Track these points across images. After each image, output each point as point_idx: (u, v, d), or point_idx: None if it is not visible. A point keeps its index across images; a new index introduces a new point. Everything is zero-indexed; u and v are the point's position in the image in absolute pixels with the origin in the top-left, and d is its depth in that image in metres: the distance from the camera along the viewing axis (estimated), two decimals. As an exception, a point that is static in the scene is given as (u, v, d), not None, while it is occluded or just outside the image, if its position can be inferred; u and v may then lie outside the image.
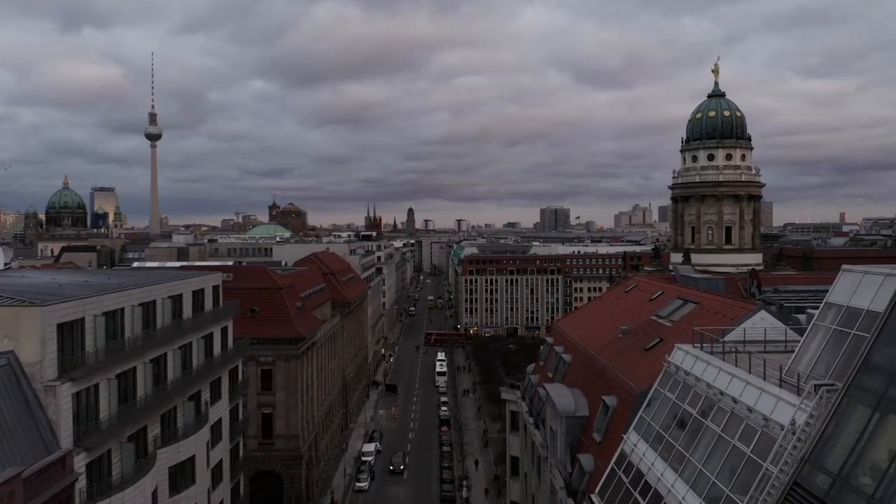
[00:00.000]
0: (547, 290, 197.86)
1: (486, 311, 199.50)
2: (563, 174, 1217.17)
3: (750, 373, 22.20)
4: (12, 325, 29.42)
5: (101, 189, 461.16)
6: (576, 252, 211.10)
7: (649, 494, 23.85)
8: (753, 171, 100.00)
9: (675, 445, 23.65)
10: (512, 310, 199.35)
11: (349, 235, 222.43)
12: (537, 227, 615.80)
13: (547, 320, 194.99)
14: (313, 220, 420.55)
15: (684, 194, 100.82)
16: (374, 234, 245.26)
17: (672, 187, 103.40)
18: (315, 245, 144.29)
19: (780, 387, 20.52)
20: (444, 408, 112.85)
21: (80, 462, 30.72)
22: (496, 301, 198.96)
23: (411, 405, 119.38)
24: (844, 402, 17.24)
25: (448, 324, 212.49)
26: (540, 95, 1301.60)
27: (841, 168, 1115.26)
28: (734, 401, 21.57)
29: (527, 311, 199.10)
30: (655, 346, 32.25)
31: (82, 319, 32.14)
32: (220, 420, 48.75)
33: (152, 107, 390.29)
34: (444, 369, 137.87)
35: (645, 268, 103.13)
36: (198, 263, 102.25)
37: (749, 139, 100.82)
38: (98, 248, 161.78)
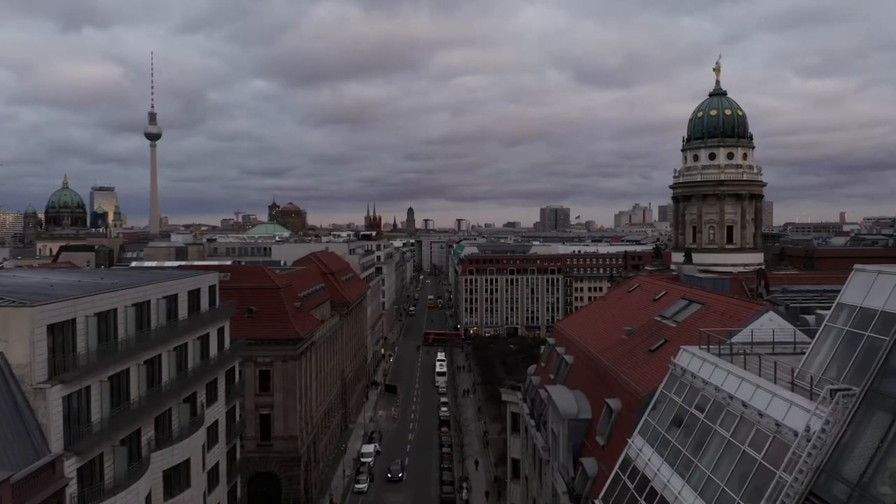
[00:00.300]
0: (547, 289, 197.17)
1: (486, 310, 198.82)
2: (562, 174, 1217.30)
3: (760, 376, 21.47)
4: (1, 326, 28.68)
5: (101, 189, 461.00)
6: (576, 252, 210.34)
7: (655, 501, 23.12)
8: (755, 170, 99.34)
9: (682, 451, 22.92)
10: (512, 310, 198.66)
11: (348, 235, 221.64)
12: (537, 227, 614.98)
13: (547, 320, 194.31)
14: (313, 219, 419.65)
15: (686, 193, 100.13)
16: (374, 233, 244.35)
17: (673, 186, 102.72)
18: (314, 245, 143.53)
19: (793, 391, 19.79)
20: (443, 408, 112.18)
21: (70, 466, 29.96)
22: (496, 301, 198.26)
23: (411, 406, 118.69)
24: (862, 408, 16.50)
25: (448, 323, 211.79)
26: (540, 95, 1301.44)
27: (841, 168, 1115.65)
28: (744, 405, 20.84)
29: (527, 310, 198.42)
30: (660, 347, 31.51)
31: (73, 320, 31.39)
32: (216, 422, 47.97)
33: (152, 106, 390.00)
34: (444, 369, 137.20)
35: (646, 267, 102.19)
36: (196, 263, 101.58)
37: (751, 138, 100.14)
38: (96, 247, 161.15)
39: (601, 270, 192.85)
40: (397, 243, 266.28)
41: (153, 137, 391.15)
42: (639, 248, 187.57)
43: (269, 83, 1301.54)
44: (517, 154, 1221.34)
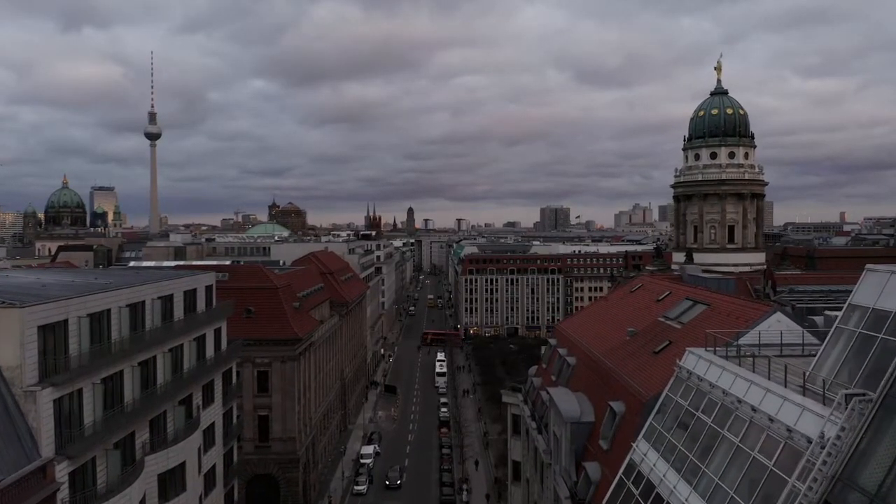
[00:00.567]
0: (547, 289, 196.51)
1: (487, 310, 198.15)
2: (563, 174, 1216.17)
3: (769, 379, 20.82)
4: (-10, 328, 28.04)
5: (101, 188, 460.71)
6: (577, 251, 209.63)
7: (661, 508, 22.48)
8: (756, 170, 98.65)
9: (689, 456, 22.26)
10: (512, 310, 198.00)
11: (348, 235, 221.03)
12: (537, 227, 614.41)
13: (547, 320, 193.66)
14: (313, 219, 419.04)
15: (687, 193, 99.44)
16: (374, 233, 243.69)
17: (674, 186, 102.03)
18: (313, 244, 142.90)
19: (804, 395, 19.14)
20: (443, 409, 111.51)
21: (62, 471, 29.30)
22: (496, 301, 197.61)
23: (411, 406, 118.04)
24: (880, 414, 15.83)
25: (448, 323, 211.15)
26: (540, 95, 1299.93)
27: (841, 167, 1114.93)
28: (753, 409, 20.18)
29: (527, 310, 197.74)
30: (664, 349, 30.84)
31: (65, 321, 30.73)
32: (212, 424, 47.29)
33: (152, 106, 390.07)
34: (444, 370, 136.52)
35: (647, 267, 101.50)
36: (194, 263, 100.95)
37: (752, 137, 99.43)
38: (95, 247, 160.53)
39: (602, 270, 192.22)
40: (397, 243, 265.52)
41: (153, 137, 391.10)
42: (639, 248, 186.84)
43: (269, 83, 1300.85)
44: (517, 154, 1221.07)
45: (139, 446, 36.44)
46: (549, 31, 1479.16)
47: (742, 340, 25.82)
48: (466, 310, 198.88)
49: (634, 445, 25.99)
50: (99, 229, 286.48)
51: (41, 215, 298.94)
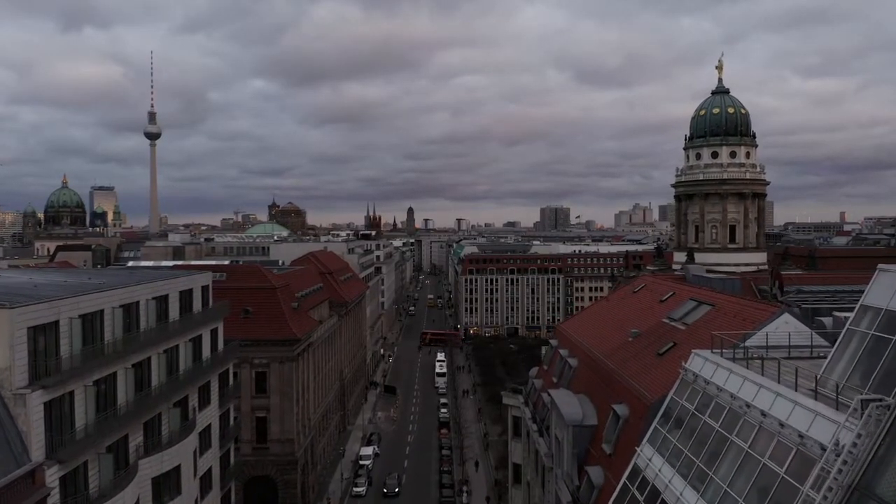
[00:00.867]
0: (548, 289, 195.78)
1: (487, 310, 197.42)
2: (563, 173, 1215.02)
3: (779, 383, 20.16)
4: (-22, 329, 27.36)
5: (101, 188, 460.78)
6: (577, 251, 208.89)
7: (667, 514, 21.82)
8: (758, 169, 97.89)
9: (696, 461, 21.59)
10: (512, 310, 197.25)
11: (347, 234, 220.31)
12: (537, 227, 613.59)
13: (548, 320, 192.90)
14: (313, 219, 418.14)
15: (688, 192, 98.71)
16: (374, 233, 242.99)
17: (675, 185, 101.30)
18: (313, 244, 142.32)
19: (816, 399, 18.48)
20: (443, 410, 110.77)
21: (52, 475, 28.64)
22: (496, 301, 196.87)
23: (410, 407, 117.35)
24: (899, 421, 15.16)
25: (448, 323, 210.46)
26: (540, 95, 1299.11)
27: (841, 167, 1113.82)
28: (763, 414, 19.52)
29: (527, 310, 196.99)
30: (669, 350, 30.18)
31: (56, 322, 30.05)
32: (209, 426, 46.62)
33: (152, 106, 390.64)
34: (444, 370, 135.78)
35: (648, 267, 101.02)
36: (193, 263, 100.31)
37: (753, 136, 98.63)
38: (93, 247, 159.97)
39: (602, 270, 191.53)
40: (397, 243, 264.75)
41: (153, 137, 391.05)
42: (640, 248, 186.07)
43: (269, 83, 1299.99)
44: (517, 154, 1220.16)
45: (133, 449, 35.76)
46: (549, 31, 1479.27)
47: (749, 342, 25.18)
48: (466, 310, 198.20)
49: (639, 450, 25.33)
50: (98, 229, 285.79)
51: (41, 215, 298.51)
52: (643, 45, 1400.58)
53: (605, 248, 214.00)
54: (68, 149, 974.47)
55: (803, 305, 40.12)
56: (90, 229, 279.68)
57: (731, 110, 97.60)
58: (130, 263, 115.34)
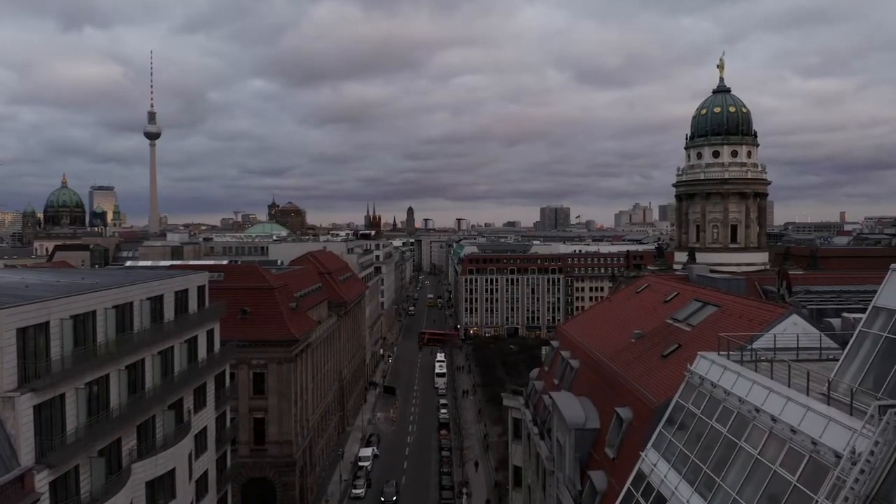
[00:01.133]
0: (548, 289, 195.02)
1: (487, 310, 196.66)
2: (563, 173, 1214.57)
3: (790, 386, 19.49)
4: (-35, 331, 26.68)
5: (101, 188, 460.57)
6: (577, 251, 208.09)
7: (673, 522, 21.14)
8: (759, 169, 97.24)
9: (703, 468, 20.91)
10: (513, 310, 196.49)
11: (347, 234, 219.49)
12: (537, 227, 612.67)
13: (548, 320, 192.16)
14: (313, 219, 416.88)
15: (689, 192, 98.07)
16: (373, 232, 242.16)
17: (676, 185, 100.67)
18: (312, 244, 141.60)
19: (829, 404, 17.81)
20: (443, 410, 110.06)
21: (42, 480, 27.96)
22: (496, 301, 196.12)
23: (410, 407, 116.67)
24: (919, 428, 14.48)
25: (448, 323, 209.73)
26: (540, 95, 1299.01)
27: (841, 167, 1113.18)
28: (773, 419, 18.84)
29: (528, 310, 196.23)
30: (673, 352, 29.48)
31: (47, 323, 29.37)
32: (204, 429, 45.91)
33: (151, 106, 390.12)
34: (444, 370, 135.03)
35: (648, 267, 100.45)
36: (191, 262, 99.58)
37: (755, 135, 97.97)
38: (91, 247, 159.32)
39: (603, 270, 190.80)
40: (397, 243, 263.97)
41: (152, 137, 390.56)
42: (641, 248, 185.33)
43: (269, 83, 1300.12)
44: (517, 154, 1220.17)
45: (126, 453, 35.05)
46: (549, 31, 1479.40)
47: (756, 344, 24.51)
48: (466, 310, 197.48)
49: (643, 455, 24.65)
50: (96, 229, 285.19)
51: (40, 215, 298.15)
52: (643, 45, 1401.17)
53: (605, 248, 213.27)
54: (68, 149, 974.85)
55: (808, 306, 39.46)
56: (89, 229, 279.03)
57: (732, 109, 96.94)
58: (128, 263, 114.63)
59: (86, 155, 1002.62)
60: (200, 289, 46.80)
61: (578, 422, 30.71)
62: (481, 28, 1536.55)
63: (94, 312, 32.79)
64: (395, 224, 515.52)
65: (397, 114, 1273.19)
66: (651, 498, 23.06)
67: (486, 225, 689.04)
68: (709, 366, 23.60)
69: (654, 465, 23.75)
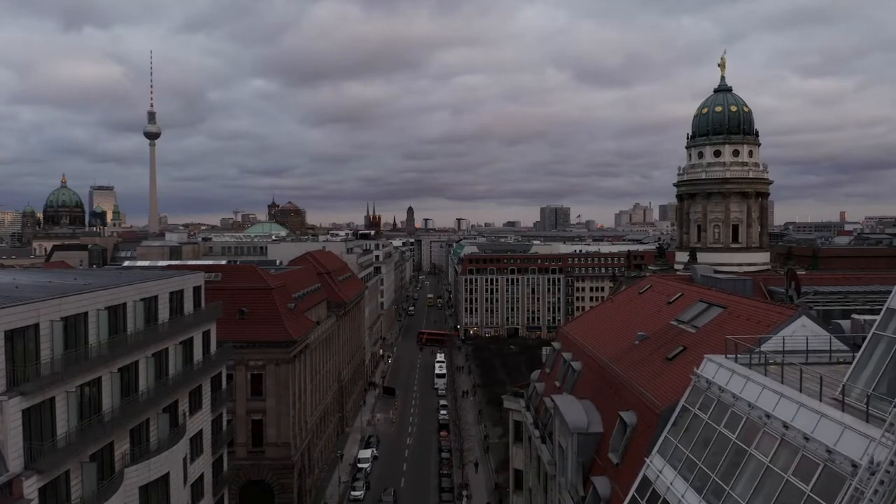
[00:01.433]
0: (548, 289, 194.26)
1: (487, 310, 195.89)
2: (562, 173, 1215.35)
3: (801, 391, 18.79)
4: (-49, 333, 26.00)
5: (100, 188, 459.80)
6: (578, 251, 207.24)
7: (679, 531, 20.43)
8: (761, 168, 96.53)
9: (711, 475, 20.19)
10: (513, 310, 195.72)
11: (346, 234, 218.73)
12: (537, 226, 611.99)
13: (548, 321, 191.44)
14: (313, 218, 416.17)
15: (690, 191, 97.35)
16: (373, 232, 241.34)
17: (677, 184, 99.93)
18: (311, 244, 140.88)
19: (843, 410, 17.11)
20: (443, 411, 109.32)
21: (31, 486, 27.28)
22: (496, 301, 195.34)
23: (410, 408, 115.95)
24: (943, 437, 13.78)
25: (448, 323, 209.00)
26: (540, 94, 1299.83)
27: (840, 167, 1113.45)
28: (785, 426, 18.13)
29: (528, 311, 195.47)
30: (679, 355, 28.75)
31: (36, 325, 28.70)
32: (200, 432, 45.21)
33: (151, 105, 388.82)
34: (444, 371, 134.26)
35: (649, 267, 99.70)
36: (189, 262, 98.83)
37: (756, 135, 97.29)
38: (89, 246, 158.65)
39: (603, 270, 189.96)
40: (396, 242, 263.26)
41: (152, 136, 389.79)
42: (641, 248, 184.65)
43: (270, 82, 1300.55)
44: (517, 153, 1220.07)
45: (118, 457, 34.38)
46: (549, 30, 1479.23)
47: (763, 347, 23.79)
48: (466, 310, 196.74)
49: (648, 461, 23.93)
50: (94, 228, 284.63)
51: (40, 215, 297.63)
52: (643, 44, 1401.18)
53: (605, 248, 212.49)
54: (68, 149, 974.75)
55: (814, 307, 38.71)
56: (88, 229, 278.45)
57: (733, 108, 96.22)
58: (126, 263, 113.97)
59: (86, 155, 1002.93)
60: (196, 289, 46.11)
61: (581, 426, 29.99)
62: (481, 28, 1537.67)
63: (85, 314, 32.13)
64: (395, 224, 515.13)
65: (397, 114, 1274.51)
66: (657, 505, 22.35)
67: (486, 225, 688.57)
68: (716, 369, 22.90)
69: (660, 471, 23.04)
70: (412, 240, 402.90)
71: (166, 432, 38.65)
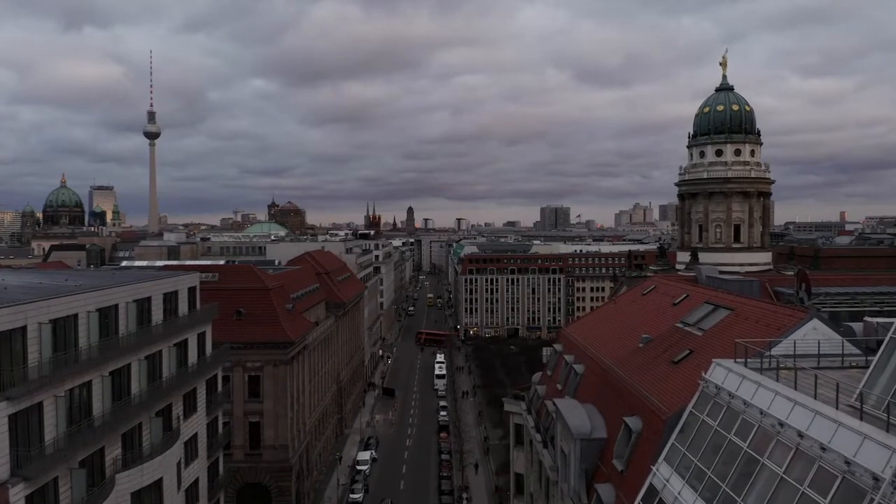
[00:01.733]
0: (549, 289, 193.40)
1: (487, 311, 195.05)
2: (562, 173, 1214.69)
3: (816, 398, 17.97)
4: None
5: (100, 188, 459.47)
6: (578, 251, 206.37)
7: (688, 543, 19.62)
8: (763, 168, 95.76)
9: (722, 486, 19.37)
10: (513, 310, 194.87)
11: (346, 234, 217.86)
12: (537, 226, 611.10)
13: (549, 321, 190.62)
14: (312, 218, 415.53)
15: (691, 191, 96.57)
16: (373, 232, 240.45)
17: (679, 184, 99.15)
18: (310, 244, 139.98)
19: (861, 419, 16.30)
20: (442, 413, 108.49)
21: (17, 494, 26.47)
22: (497, 301, 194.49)
23: (409, 409, 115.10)
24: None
25: (448, 324, 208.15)
26: (540, 94, 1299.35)
27: (840, 167, 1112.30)
28: (800, 435, 17.31)
29: (528, 311, 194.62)
30: (685, 358, 27.91)
31: (24, 328, 27.87)
32: (195, 435, 44.36)
33: (151, 105, 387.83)
34: (444, 372, 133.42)
35: (650, 267, 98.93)
36: (187, 263, 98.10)
37: (758, 134, 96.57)
38: (87, 246, 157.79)
39: (604, 270, 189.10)
40: (396, 242, 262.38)
41: (152, 136, 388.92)
42: (642, 248, 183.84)
43: (270, 82, 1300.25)
44: (517, 153, 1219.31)
45: (109, 463, 33.54)
46: (549, 30, 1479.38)
47: (773, 351, 22.96)
48: (466, 310, 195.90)
49: (655, 469, 23.11)
50: (91, 228, 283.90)
51: (39, 214, 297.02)
52: (643, 44, 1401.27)
53: (606, 248, 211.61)
54: (68, 148, 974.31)
55: (822, 309, 37.91)
56: (87, 229, 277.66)
57: (735, 107, 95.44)
58: (124, 263, 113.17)
59: (86, 155, 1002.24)
60: (191, 290, 45.26)
61: (584, 431, 29.17)
62: (481, 28, 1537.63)
63: (75, 316, 31.30)
64: (395, 224, 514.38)
65: (397, 114, 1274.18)
66: (664, 516, 21.54)
67: (486, 225, 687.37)
68: (725, 374, 22.07)
69: (667, 480, 22.22)
70: (412, 240, 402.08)
71: (159, 437, 37.83)
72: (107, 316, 33.92)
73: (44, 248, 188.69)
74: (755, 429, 19.23)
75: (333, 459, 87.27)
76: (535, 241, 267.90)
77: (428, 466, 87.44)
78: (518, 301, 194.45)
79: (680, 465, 22.05)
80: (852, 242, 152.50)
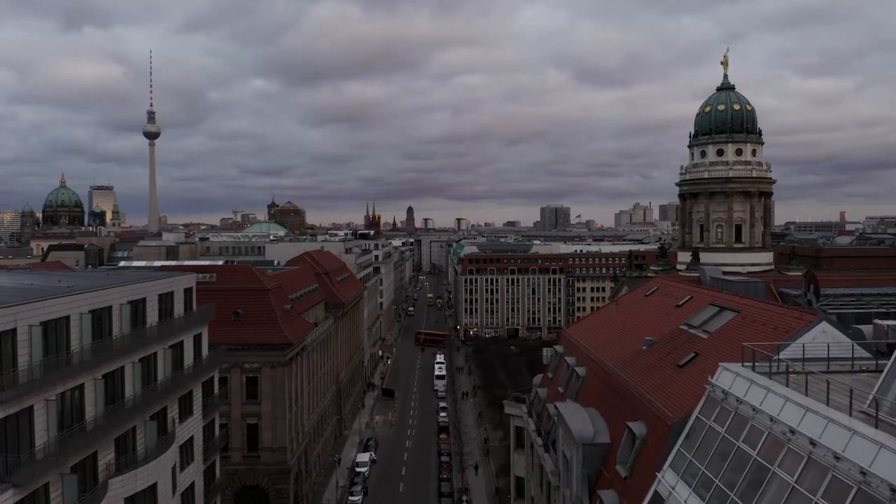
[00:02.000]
0: (549, 290, 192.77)
1: (487, 311, 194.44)
2: (562, 173, 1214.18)
3: (828, 405, 17.35)
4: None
5: (100, 188, 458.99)
6: (578, 251, 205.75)
7: (696, 554, 19.01)
8: (764, 167, 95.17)
9: (730, 495, 18.74)
10: (513, 310, 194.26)
11: (345, 234, 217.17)
12: (537, 226, 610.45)
13: (549, 321, 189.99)
14: (312, 218, 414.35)
15: (692, 191, 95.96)
16: (372, 232, 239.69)
17: (680, 184, 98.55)
18: (309, 244, 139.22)
19: (876, 427, 15.67)
20: (442, 413, 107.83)
21: (6, 501, 25.85)
22: (497, 301, 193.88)
23: (409, 410, 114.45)
24: None
25: (448, 324, 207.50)
26: (540, 94, 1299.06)
27: (840, 167, 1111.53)
28: (812, 443, 16.70)
29: (528, 311, 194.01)
30: (690, 362, 27.29)
31: (13, 330, 27.25)
32: (191, 438, 43.71)
33: (151, 105, 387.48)
34: (443, 372, 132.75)
35: (651, 267, 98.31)
36: (185, 263, 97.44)
37: (760, 133, 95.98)
38: (86, 246, 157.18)
39: (604, 270, 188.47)
40: (396, 242, 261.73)
41: (152, 136, 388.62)
42: (643, 248, 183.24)
43: (270, 82, 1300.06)
44: (517, 153, 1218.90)
45: (102, 468, 32.89)
46: (549, 30, 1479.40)
47: (782, 355, 22.34)
48: (466, 310, 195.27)
49: (660, 476, 22.49)
50: (90, 228, 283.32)
51: (39, 214, 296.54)
52: (643, 44, 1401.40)
53: (606, 248, 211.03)
54: (68, 148, 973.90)
55: (829, 311, 37.22)
56: (85, 229, 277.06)
57: (736, 107, 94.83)
58: (122, 263, 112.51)
59: (85, 155, 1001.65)
60: (187, 291, 44.62)
61: (587, 436, 28.55)
62: (481, 28, 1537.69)
63: (67, 318, 30.66)
64: (394, 224, 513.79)
65: (397, 114, 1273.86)
66: (670, 524, 20.92)
67: (486, 225, 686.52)
68: (732, 378, 21.45)
69: (673, 487, 21.60)
70: (412, 240, 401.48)
71: (154, 440, 37.19)
72: (100, 318, 33.30)
73: (43, 248, 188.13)
74: (765, 436, 18.61)
75: (332, 461, 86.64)
76: (535, 242, 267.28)
77: (428, 468, 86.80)
78: (518, 301, 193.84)
79: (686, 473, 21.44)
80: (853, 242, 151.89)
